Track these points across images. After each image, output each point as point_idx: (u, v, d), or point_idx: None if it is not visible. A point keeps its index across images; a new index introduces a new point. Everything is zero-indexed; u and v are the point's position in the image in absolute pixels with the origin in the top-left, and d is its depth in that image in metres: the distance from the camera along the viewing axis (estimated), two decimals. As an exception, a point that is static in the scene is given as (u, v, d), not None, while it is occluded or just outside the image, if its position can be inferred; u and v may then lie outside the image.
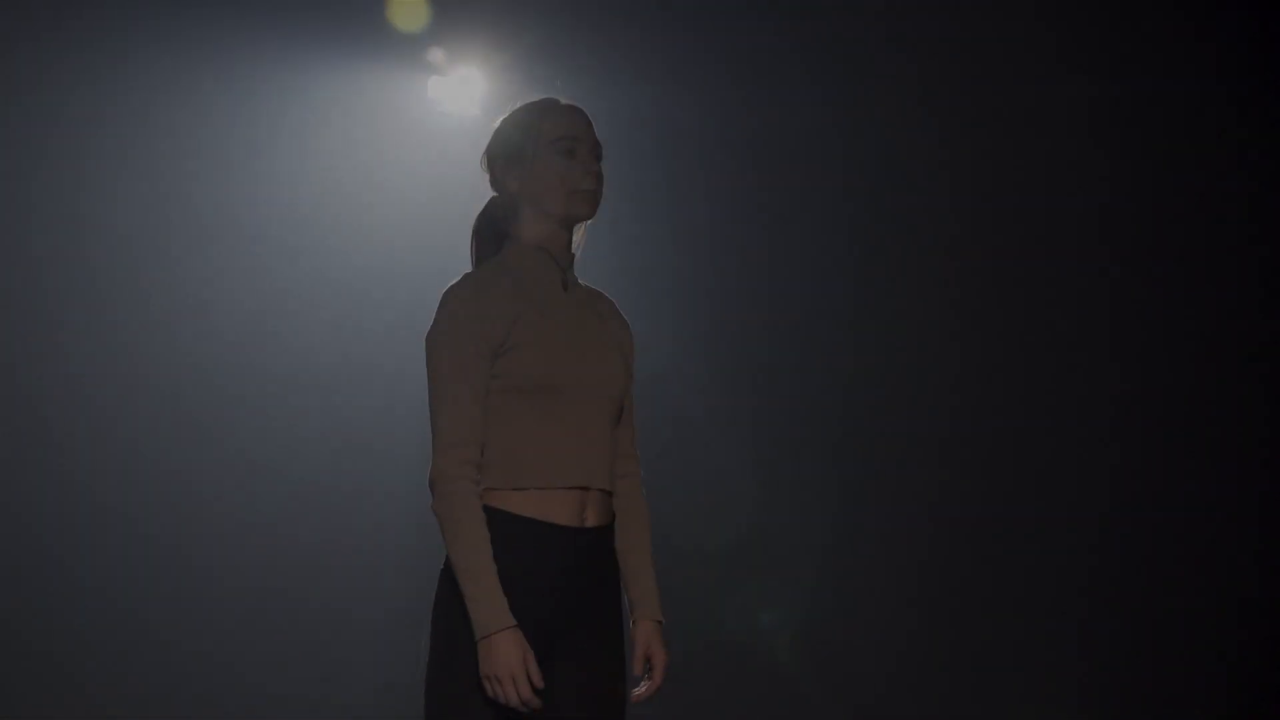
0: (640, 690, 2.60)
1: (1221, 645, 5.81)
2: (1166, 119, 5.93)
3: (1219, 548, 5.87)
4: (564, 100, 2.66)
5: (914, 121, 6.07)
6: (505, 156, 2.61)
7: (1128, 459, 5.97)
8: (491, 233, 2.68)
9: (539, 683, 2.40)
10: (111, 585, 6.00)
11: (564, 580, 2.50)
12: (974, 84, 6.02)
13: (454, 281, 2.55)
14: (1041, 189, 6.10)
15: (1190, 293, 5.98)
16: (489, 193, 2.70)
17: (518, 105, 2.66)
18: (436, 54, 5.63)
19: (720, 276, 6.14)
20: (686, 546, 5.99)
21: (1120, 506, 5.95)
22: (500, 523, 2.46)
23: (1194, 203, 5.99)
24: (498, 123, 2.66)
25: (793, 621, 6.06)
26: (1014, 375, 6.09)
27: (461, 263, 2.73)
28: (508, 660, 2.36)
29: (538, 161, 2.58)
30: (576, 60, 5.74)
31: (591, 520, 2.53)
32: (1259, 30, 5.77)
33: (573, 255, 2.65)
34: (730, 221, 6.11)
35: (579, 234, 2.66)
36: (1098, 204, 6.05)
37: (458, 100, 5.67)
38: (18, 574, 5.84)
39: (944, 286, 6.09)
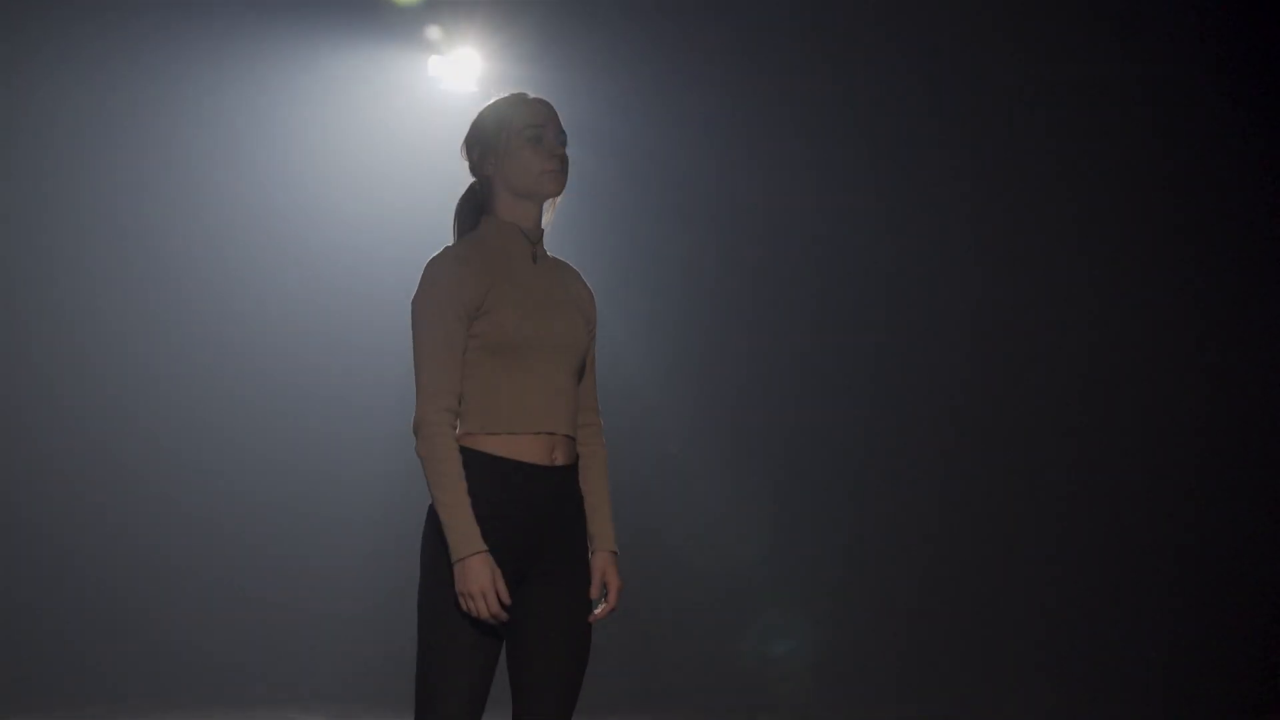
0: (598, 612, 3.00)
1: (1224, 646, 6.06)
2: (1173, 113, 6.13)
3: (1224, 548, 6.12)
4: (531, 94, 3.05)
5: (899, 120, 6.27)
6: (481, 146, 3.02)
7: (1150, 479, 6.15)
8: (471, 211, 3.08)
9: (506, 599, 2.80)
10: (99, 560, 6.25)
11: (533, 511, 2.90)
12: (959, 83, 6.24)
13: (436, 254, 2.95)
14: (1039, 189, 6.31)
15: (1202, 290, 6.18)
16: (482, 171, 3.07)
17: (491, 100, 3.05)
18: (434, 31, 5.84)
19: (724, 284, 6.34)
20: (693, 560, 6.25)
21: (1156, 537, 6.12)
22: (476, 463, 2.87)
23: (1198, 202, 6.22)
24: (475, 117, 3.06)
25: (799, 636, 6.25)
26: (1019, 381, 6.26)
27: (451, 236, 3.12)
28: (479, 579, 2.78)
29: (510, 148, 2.98)
30: (571, 41, 5.99)
31: (558, 460, 2.93)
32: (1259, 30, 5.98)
33: (542, 230, 3.04)
34: (729, 218, 6.31)
35: (548, 212, 3.06)
36: (1092, 205, 6.25)
37: (457, 78, 5.89)
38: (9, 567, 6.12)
39: (945, 289, 6.27)
